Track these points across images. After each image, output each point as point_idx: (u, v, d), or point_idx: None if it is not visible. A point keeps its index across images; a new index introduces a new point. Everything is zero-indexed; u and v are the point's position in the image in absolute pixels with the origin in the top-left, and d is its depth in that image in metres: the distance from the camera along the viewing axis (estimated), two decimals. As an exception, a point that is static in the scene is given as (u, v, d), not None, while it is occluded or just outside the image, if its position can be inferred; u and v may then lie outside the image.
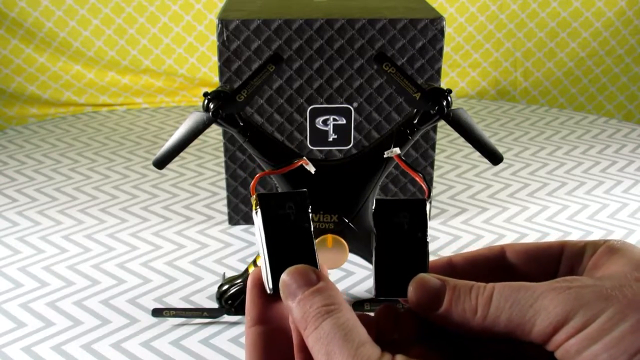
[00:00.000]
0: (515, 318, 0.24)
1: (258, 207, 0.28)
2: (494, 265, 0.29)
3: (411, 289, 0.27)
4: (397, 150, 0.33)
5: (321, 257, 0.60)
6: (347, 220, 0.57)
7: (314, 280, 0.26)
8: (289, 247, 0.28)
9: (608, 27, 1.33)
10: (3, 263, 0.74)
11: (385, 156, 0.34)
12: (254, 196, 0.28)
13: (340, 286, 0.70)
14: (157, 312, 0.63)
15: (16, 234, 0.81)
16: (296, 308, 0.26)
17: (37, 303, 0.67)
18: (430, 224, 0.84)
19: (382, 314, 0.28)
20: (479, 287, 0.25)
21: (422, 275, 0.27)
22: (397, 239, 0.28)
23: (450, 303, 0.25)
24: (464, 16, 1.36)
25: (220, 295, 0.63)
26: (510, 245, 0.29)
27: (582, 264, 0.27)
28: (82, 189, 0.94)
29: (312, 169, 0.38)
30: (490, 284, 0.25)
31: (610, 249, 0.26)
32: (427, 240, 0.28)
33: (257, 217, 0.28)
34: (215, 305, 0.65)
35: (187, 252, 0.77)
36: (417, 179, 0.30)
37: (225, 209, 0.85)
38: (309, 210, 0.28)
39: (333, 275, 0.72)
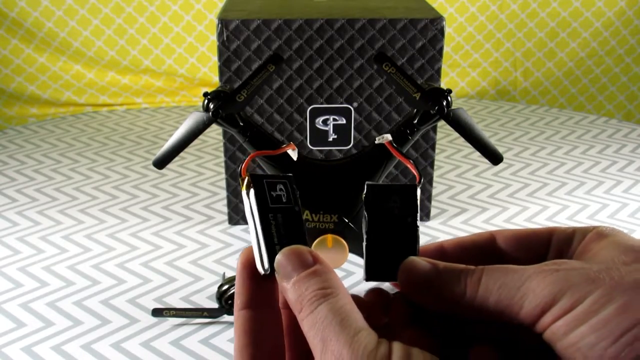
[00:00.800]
0: (503, 300, 0.24)
1: (251, 186, 0.28)
2: (484, 251, 0.29)
3: (401, 272, 0.27)
4: (388, 136, 0.33)
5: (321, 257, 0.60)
6: (347, 220, 0.57)
7: (310, 262, 0.26)
8: (282, 228, 0.27)
9: (608, 27, 1.33)
10: (3, 263, 0.74)
11: (376, 142, 0.34)
12: (246, 177, 0.28)
13: (340, 286, 0.70)
14: (157, 312, 0.63)
15: (16, 234, 0.81)
16: (291, 290, 0.25)
17: (37, 303, 0.67)
18: (430, 223, 0.84)
19: (373, 298, 0.28)
20: (468, 270, 0.25)
21: (412, 258, 0.27)
22: (388, 224, 0.28)
23: (440, 285, 0.25)
24: (464, 16, 1.36)
25: (220, 295, 0.63)
26: (500, 231, 0.29)
27: (571, 250, 0.27)
28: (82, 189, 0.94)
29: (295, 156, 0.37)
30: (480, 267, 0.25)
31: (599, 235, 0.26)
32: (418, 225, 0.28)
33: (249, 197, 0.28)
34: (215, 305, 0.65)
35: (187, 252, 0.77)
36: (409, 165, 0.30)
37: (225, 209, 0.85)
38: (298, 195, 0.28)
39: (333, 275, 0.72)
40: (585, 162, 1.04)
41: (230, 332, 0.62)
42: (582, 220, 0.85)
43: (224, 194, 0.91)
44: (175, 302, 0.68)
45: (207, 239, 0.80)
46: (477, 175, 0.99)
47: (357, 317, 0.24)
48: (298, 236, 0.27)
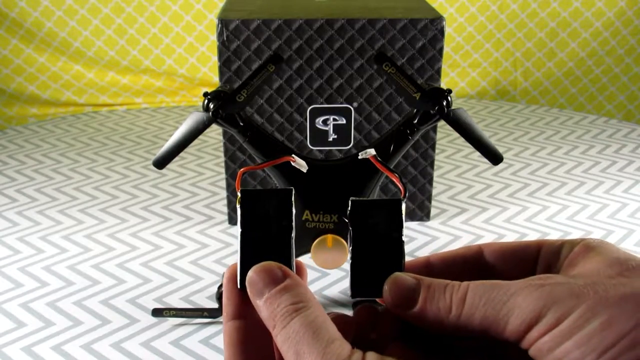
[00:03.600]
0: (489, 316, 0.24)
1: (238, 203, 0.28)
2: (471, 265, 0.29)
3: (386, 288, 0.26)
4: (371, 151, 0.32)
5: (321, 257, 0.60)
6: (347, 220, 0.58)
7: (280, 277, 0.26)
8: (262, 245, 0.27)
9: (608, 27, 1.33)
10: (3, 263, 0.74)
11: (359, 158, 0.33)
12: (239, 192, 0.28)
13: (340, 286, 0.70)
14: (157, 312, 0.63)
15: (16, 234, 0.81)
16: (263, 307, 0.25)
17: (37, 303, 0.67)
18: (430, 223, 0.84)
19: (361, 314, 0.28)
20: (453, 286, 0.25)
21: (397, 274, 0.26)
22: (373, 240, 0.28)
23: (425, 302, 0.25)
24: (464, 16, 1.36)
25: (220, 295, 0.63)
26: (488, 244, 0.29)
27: (559, 263, 0.27)
28: (82, 189, 0.94)
29: (304, 168, 0.37)
30: (465, 282, 0.25)
31: (587, 248, 0.26)
32: (403, 240, 0.28)
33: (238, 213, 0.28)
34: (215, 305, 0.65)
35: (187, 252, 0.77)
36: (394, 179, 0.30)
37: (225, 209, 0.85)
38: (292, 209, 0.28)
39: (333, 275, 0.72)
40: (585, 162, 1.04)
41: (230, 332, 0.62)
42: (582, 220, 0.85)
43: (224, 194, 0.91)
44: (175, 302, 0.68)
45: (207, 239, 0.80)
46: (477, 175, 0.99)
47: (329, 328, 0.24)
48: (278, 252, 0.27)
